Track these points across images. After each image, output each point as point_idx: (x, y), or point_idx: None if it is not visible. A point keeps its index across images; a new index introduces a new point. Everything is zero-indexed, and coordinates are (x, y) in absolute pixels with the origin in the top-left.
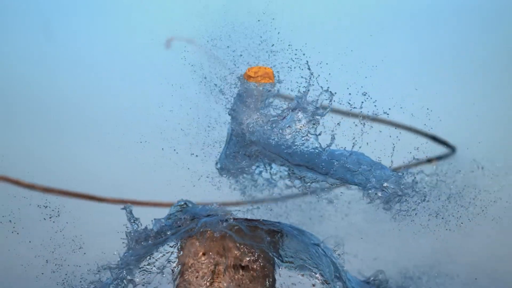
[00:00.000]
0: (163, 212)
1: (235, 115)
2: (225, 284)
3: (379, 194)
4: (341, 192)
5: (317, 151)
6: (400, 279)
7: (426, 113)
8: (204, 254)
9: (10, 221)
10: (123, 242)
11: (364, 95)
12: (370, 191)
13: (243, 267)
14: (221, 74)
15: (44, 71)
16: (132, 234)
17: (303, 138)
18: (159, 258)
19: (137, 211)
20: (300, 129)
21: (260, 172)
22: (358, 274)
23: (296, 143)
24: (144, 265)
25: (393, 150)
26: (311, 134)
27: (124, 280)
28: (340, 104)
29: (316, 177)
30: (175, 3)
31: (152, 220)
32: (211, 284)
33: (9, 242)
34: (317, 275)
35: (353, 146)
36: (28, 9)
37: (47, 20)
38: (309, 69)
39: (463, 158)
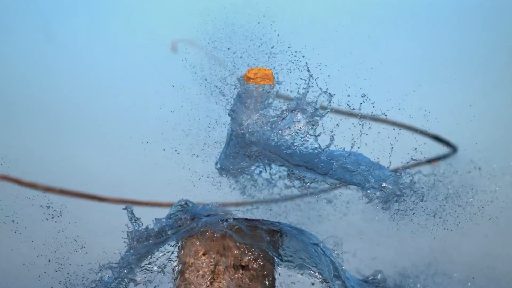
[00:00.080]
0: (163, 212)
1: (235, 116)
2: (225, 283)
3: (378, 194)
4: (340, 192)
5: (316, 151)
6: (398, 278)
7: (424, 114)
8: (204, 253)
9: (13, 221)
10: (124, 242)
11: (363, 96)
12: (369, 191)
13: (243, 266)
14: (221, 76)
15: (44, 71)
16: (133, 233)
17: (302, 139)
18: (160, 257)
19: (138, 211)
20: (300, 130)
21: (260, 172)
22: (356, 273)
23: (295, 144)
24: (145, 264)
25: (391, 150)
26: (310, 135)
27: (125, 279)
28: (339, 105)
29: (315, 177)
30: (175, 3)
31: (153, 220)
32: (211, 283)
33: (12, 241)
34: (316, 274)
35: (352, 147)
36: (28, 9)
37: (47, 20)
38: (308, 70)
39: (461, 158)
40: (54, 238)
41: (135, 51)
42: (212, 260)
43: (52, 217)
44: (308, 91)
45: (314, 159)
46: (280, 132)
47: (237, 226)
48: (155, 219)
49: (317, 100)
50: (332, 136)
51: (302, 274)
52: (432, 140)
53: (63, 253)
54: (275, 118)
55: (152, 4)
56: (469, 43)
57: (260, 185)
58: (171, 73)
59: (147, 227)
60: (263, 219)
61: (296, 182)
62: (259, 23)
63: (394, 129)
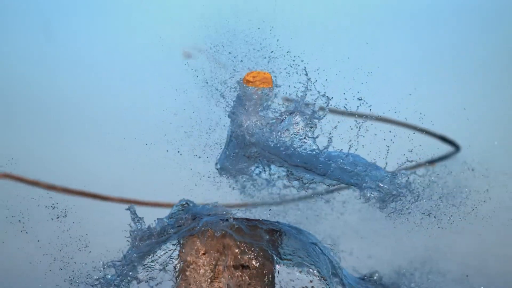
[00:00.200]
0: (165, 212)
1: (234, 118)
2: (225, 282)
3: (375, 194)
4: (338, 193)
5: (314, 152)
6: (394, 276)
7: (419, 117)
8: (205, 252)
9: (19, 221)
10: (127, 241)
11: (360, 99)
12: (366, 191)
13: (243, 265)
14: (222, 79)
15: (44, 71)
16: (136, 232)
17: (301, 141)
18: (161, 255)
19: (140, 210)
20: (298, 132)
21: (259, 172)
22: (353, 271)
23: (294, 145)
24: (148, 262)
25: (388, 152)
26: (309, 137)
27: (128, 277)
28: (337, 108)
29: (314, 177)
30: (175, 3)
31: (155, 220)
32: (211, 281)
33: (19, 241)
34: (315, 272)
35: (349, 148)
36: (28, 9)
37: (47, 20)
38: (306, 74)
39: (457, 160)
40: (59, 238)
41: (135, 51)
42: (212, 259)
43: (57, 217)
44: (306, 94)
45: (312, 160)
46: (279, 134)
47: (237, 226)
48: (157, 219)
49: (315, 103)
50: (330, 138)
51: (300, 272)
52: (438, 140)
53: (68, 252)
54: (274, 120)
55: (152, 4)
56: (468, 45)
57: (259, 185)
58: (171, 73)
59: (149, 226)
60: (262, 219)
61: (295, 183)
62: (259, 28)
63: (390, 131)
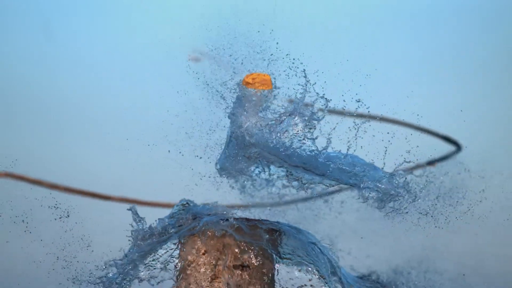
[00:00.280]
0: (166, 212)
1: (234, 119)
2: (225, 281)
3: (373, 193)
4: (338, 193)
5: (313, 153)
6: (391, 274)
7: (417, 118)
8: (205, 251)
9: (23, 221)
10: (128, 240)
11: (358, 101)
12: (364, 191)
13: (243, 264)
14: (222, 81)
15: (44, 71)
16: (137, 232)
17: (300, 141)
18: (162, 254)
19: (141, 210)
20: (297, 133)
21: (259, 172)
22: (351, 270)
23: (293, 146)
24: (149, 261)
25: (385, 153)
26: (308, 138)
27: (130, 275)
28: (339, 109)
29: (313, 178)
30: (175, 3)
31: (156, 220)
32: (212, 280)
33: (22, 240)
34: (314, 271)
35: (348, 149)
36: (28, 9)
37: (47, 20)
38: (305, 77)
39: (455, 160)
40: (61, 237)
41: (135, 51)
42: (212, 258)
43: (60, 218)
44: (305, 96)
45: (311, 161)
46: (278, 135)
47: (237, 225)
48: (158, 218)
49: (314, 105)
50: (329, 139)
51: (300, 271)
52: (442, 140)
53: (70, 251)
54: (274, 121)
55: (152, 4)
56: (468, 45)
57: (259, 185)
58: (171, 73)
59: (150, 226)
60: (262, 219)
61: (295, 183)
62: (258, 31)
63: (388, 132)
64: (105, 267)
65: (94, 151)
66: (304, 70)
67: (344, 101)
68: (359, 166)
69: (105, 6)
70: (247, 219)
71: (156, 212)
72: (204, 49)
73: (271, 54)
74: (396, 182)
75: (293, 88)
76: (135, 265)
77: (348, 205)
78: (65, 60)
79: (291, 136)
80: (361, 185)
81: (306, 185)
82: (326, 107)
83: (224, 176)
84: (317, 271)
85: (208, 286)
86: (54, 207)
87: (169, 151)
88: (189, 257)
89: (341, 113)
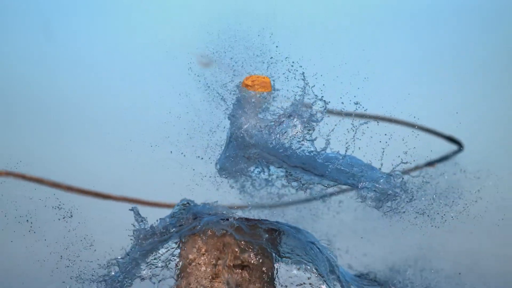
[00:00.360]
0: (167, 211)
1: (234, 120)
2: (225, 279)
3: (371, 193)
4: (336, 194)
5: (312, 154)
6: (388, 273)
7: (416, 119)
8: (205, 251)
9: (27, 221)
10: (130, 239)
11: (356, 104)
12: (362, 191)
13: (243, 263)
14: (222, 83)
15: (44, 71)
16: (139, 232)
17: (299, 143)
18: (164, 253)
19: (143, 210)
20: (296, 135)
21: (259, 173)
22: (349, 269)
23: (292, 147)
24: (151, 259)
25: (383, 154)
26: (307, 140)
27: (131, 274)
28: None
29: (312, 178)
30: (175, 3)
31: (157, 220)
32: (212, 279)
33: (27, 240)
34: (313, 269)
35: (346, 150)
36: (28, 9)
37: (47, 20)
38: (303, 79)
39: (451, 160)
40: (65, 237)
41: (135, 51)
42: (213, 257)
43: (64, 218)
44: (304, 98)
45: (310, 161)
46: (277, 136)
47: (237, 225)
48: (160, 218)
49: (312, 106)
50: (328, 140)
51: (298, 269)
52: (445, 140)
53: (74, 251)
54: (273, 123)
55: (152, 4)
56: (468, 45)
57: (259, 185)
58: (171, 74)
59: (152, 226)
60: (262, 219)
61: (294, 183)
62: (259, 35)
63: (385, 134)
64: (108, 266)
65: (94, 151)
66: (303, 73)
67: (342, 103)
68: (357, 167)
69: (105, 6)
70: (247, 219)
71: (157, 212)
72: (212, 54)
73: (271, 57)
74: (393, 182)
75: (292, 91)
76: (137, 263)
77: (346, 205)
78: (65, 60)
79: (290, 137)
80: (359, 185)
81: (305, 185)
82: (325, 109)
83: (224, 176)
84: (316, 269)
85: (208, 285)
86: (58, 207)
87: (171, 151)
88: (190, 256)
89: (347, 114)
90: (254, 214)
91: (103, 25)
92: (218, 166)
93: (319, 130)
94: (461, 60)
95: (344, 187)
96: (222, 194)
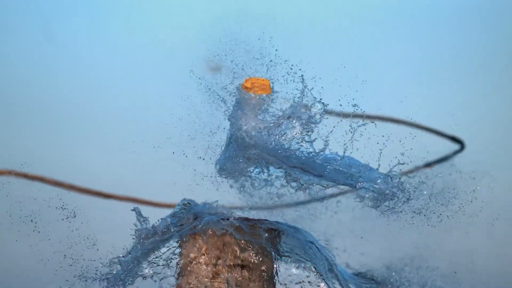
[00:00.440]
0: (168, 211)
1: (234, 122)
2: (225, 278)
3: (369, 193)
4: (333, 193)
5: (311, 155)
6: (385, 271)
7: (416, 119)
8: (206, 250)
9: (31, 221)
10: (132, 238)
11: (354, 106)
12: (360, 191)
13: (243, 262)
14: (223, 85)
15: (44, 71)
16: (141, 231)
17: (298, 144)
18: (165, 252)
19: (144, 209)
20: (295, 136)
21: (258, 173)
22: (347, 267)
23: (292, 148)
24: (152, 258)
25: (380, 155)
26: (306, 141)
27: (133, 272)
28: (331, 115)
29: (310, 179)
30: (175, 3)
31: (158, 220)
32: (212, 278)
33: (31, 239)
34: (312, 268)
35: (344, 151)
36: (28, 9)
37: (47, 20)
38: (302, 82)
39: (447, 161)
40: (68, 237)
41: (135, 51)
42: (213, 256)
43: (67, 218)
44: (302, 100)
45: (309, 162)
46: (277, 137)
47: (237, 225)
48: (161, 218)
49: (311, 109)
50: (327, 141)
51: (297, 268)
52: (448, 139)
53: (77, 250)
54: (272, 124)
55: (152, 4)
56: (468, 45)
57: (258, 185)
58: (172, 74)
59: (153, 225)
60: (261, 219)
61: (293, 184)
62: (259, 39)
63: (383, 136)
64: (110, 264)
65: (94, 151)
66: (302, 75)
67: (341, 105)
68: (355, 167)
69: (105, 6)
70: (247, 219)
71: (158, 211)
72: (214, 57)
73: (270, 60)
74: (391, 183)
75: (291, 93)
76: (139, 262)
77: (343, 205)
78: (65, 60)
79: (289, 138)
80: (357, 186)
81: (304, 185)
82: (323, 111)
83: (223, 176)
84: (315, 268)
85: (208, 284)
86: (61, 208)
87: (173, 152)
88: (191, 255)
89: (350, 115)
90: (253, 214)
91: (103, 25)
92: (218, 167)
93: (318, 132)
94: (461, 60)
95: (343, 188)
96: (222, 194)
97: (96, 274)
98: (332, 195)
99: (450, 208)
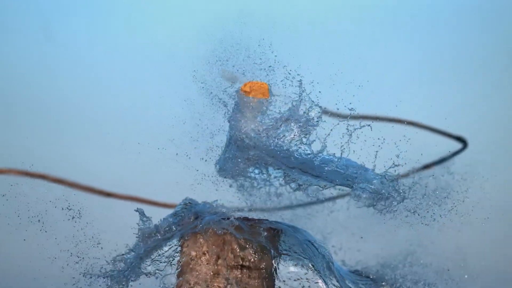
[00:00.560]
0: (169, 210)
1: (233, 124)
2: (225, 276)
3: (365, 194)
4: (331, 193)
5: (309, 157)
6: (380, 268)
7: (404, 126)
8: (206, 248)
9: (39, 221)
10: (136, 237)
11: (351, 110)
12: (356, 191)
13: (242, 260)
14: (223, 88)
15: (44, 71)
16: (143, 230)
17: (297, 146)
18: (167, 250)
19: (147, 208)
20: (293, 138)
21: (257, 173)
22: (343, 265)
23: (290, 150)
24: (155, 256)
25: (376, 157)
26: (303, 143)
27: (136, 269)
28: (329, 117)
29: (309, 179)
30: (175, 3)
31: (160, 220)
32: (212, 276)
33: (38, 239)
34: (310, 266)
35: (341, 153)
36: (28, 9)
37: (47, 20)
38: (300, 86)
39: (441, 163)
40: (74, 236)
41: (135, 51)
42: (213, 254)
43: (73, 218)
44: (300, 104)
45: (308, 163)
46: (275, 139)
47: (237, 224)
48: (163, 218)
49: (309, 112)
50: (324, 143)
51: (296, 265)
52: (456, 140)
53: (82, 249)
54: (271, 127)
55: (152, 4)
56: (468, 45)
57: (257, 184)
58: (172, 74)
59: (156, 225)
60: (261, 218)
61: (292, 184)
62: (259, 45)
63: (378, 138)
64: (114, 261)
65: (94, 151)
66: (300, 80)
67: (337, 109)
68: (352, 168)
69: (105, 6)
70: (247, 218)
71: (159, 211)
72: (222, 64)
73: (270, 66)
74: (386, 183)
75: (290, 96)
76: (142, 260)
77: (340, 204)
78: (65, 60)
79: (288, 140)
80: (354, 186)
81: (303, 186)
82: (321, 114)
83: (223, 176)
84: (313, 266)
85: (209, 282)
86: (67, 208)
87: (177, 153)
88: (191, 254)
89: (351, 116)
90: (253, 214)
91: (103, 25)
92: (217, 167)
93: (316, 134)
94: (461, 60)
95: (343, 191)
96: (222, 194)
97: (100, 271)
98: (334, 198)
99: (443, 208)
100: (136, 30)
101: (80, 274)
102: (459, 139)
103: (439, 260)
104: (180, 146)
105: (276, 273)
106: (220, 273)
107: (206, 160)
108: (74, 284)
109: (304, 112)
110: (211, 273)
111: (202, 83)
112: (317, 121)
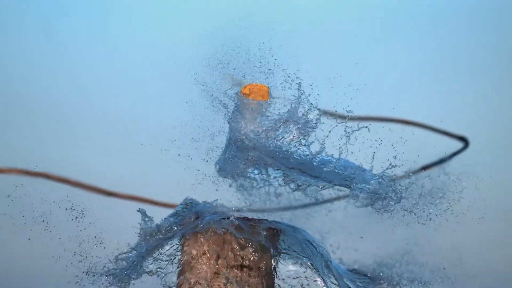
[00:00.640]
0: (170, 210)
1: (233, 125)
2: (225, 275)
3: (362, 194)
4: (330, 193)
5: (308, 158)
6: (377, 266)
7: (401, 128)
8: (207, 247)
9: (43, 221)
10: (138, 236)
11: (348, 112)
12: (354, 191)
13: (242, 259)
14: (223, 90)
15: (44, 71)
16: (145, 230)
17: (296, 147)
18: (169, 249)
19: (148, 208)
20: (292, 140)
21: (258, 173)
22: (340, 263)
23: (289, 151)
24: (157, 255)
25: (373, 158)
26: (302, 145)
27: (138, 267)
28: (327, 119)
29: (307, 180)
30: (175, 3)
31: (161, 219)
32: (213, 275)
33: (43, 238)
34: (309, 264)
35: (340, 154)
36: (28, 9)
37: (47, 20)
38: (298, 89)
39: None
40: (77, 236)
41: (135, 51)
42: (213, 253)
43: (76, 218)
44: (299, 106)
45: (307, 164)
46: (274, 141)
47: (237, 224)
48: (164, 218)
49: (307, 114)
50: (323, 145)
51: (295, 264)
52: (458, 140)
53: (85, 248)
54: (270, 128)
55: (152, 4)
56: (468, 45)
57: (257, 184)
58: (172, 74)
59: (157, 224)
60: (261, 218)
61: (291, 185)
62: (259, 49)
63: (376, 140)
64: (116, 260)
65: (94, 151)
66: (299, 83)
67: (336, 111)
68: (350, 169)
69: (105, 6)
70: (247, 218)
71: (160, 210)
72: (223, 67)
73: (269, 69)
74: (384, 183)
75: (289, 99)
76: (143, 258)
77: (338, 204)
78: (65, 60)
79: (287, 141)
80: (352, 186)
81: (302, 186)
82: (319, 116)
83: (223, 176)
84: (312, 264)
85: (209, 281)
86: (71, 208)
87: (179, 154)
88: (192, 253)
89: (351, 117)
90: (253, 214)
91: (103, 25)
92: (217, 167)
93: (315, 135)
94: (461, 60)
95: (343, 193)
96: (222, 194)
97: (103, 270)
98: (333, 199)
99: (439, 207)
100: (136, 30)
101: (83, 273)
102: (462, 138)
103: (435, 259)
104: (181, 146)
105: (275, 271)
106: (220, 272)
107: (207, 161)
108: (77, 282)
109: (303, 114)
110: (212, 272)
111: (203, 85)
112: (316, 123)
